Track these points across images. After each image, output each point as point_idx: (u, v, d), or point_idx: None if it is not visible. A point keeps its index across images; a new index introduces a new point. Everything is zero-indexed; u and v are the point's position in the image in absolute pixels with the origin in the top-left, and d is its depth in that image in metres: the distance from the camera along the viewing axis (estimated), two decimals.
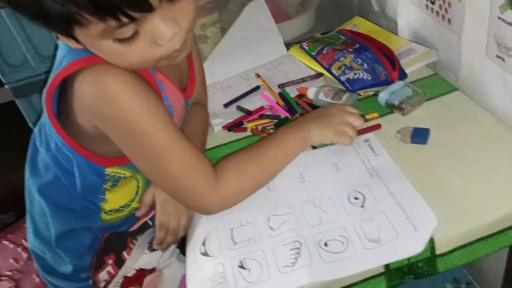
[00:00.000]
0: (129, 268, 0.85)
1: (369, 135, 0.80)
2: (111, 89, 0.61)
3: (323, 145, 0.80)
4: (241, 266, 0.63)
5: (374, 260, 0.61)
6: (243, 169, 0.71)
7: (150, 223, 0.89)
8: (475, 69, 0.80)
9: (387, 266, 0.61)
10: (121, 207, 0.80)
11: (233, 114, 0.95)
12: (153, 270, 0.89)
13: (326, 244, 0.64)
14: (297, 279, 0.60)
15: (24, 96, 1.30)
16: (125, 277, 0.85)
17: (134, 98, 0.62)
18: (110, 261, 0.84)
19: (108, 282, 0.84)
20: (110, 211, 0.80)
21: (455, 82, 0.88)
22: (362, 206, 0.68)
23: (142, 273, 0.87)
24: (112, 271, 0.84)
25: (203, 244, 0.69)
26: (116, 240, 0.84)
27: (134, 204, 0.82)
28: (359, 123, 0.78)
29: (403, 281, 0.64)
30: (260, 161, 0.73)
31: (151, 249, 0.87)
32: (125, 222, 0.84)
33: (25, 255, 0.95)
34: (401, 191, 0.68)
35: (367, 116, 0.84)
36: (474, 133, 0.76)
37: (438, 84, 0.89)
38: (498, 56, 0.72)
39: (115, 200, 0.79)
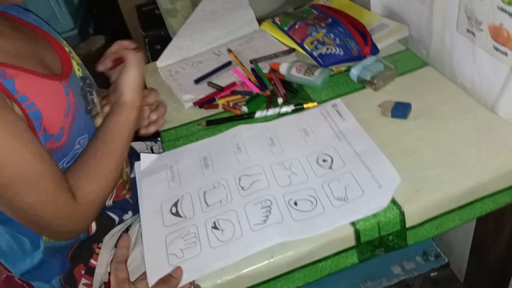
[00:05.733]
0: (102, 274, 0.80)
1: (337, 101, 0.81)
2: None
3: (291, 113, 0.82)
4: (214, 227, 0.64)
5: (342, 217, 0.62)
6: (92, 171, 0.67)
7: (116, 218, 0.83)
8: (446, 43, 0.80)
9: (358, 240, 0.62)
10: None
11: (204, 90, 0.93)
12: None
13: (296, 203, 0.65)
14: (269, 236, 0.61)
15: None
16: (105, 283, 0.80)
17: None
18: (83, 272, 0.80)
19: None
20: None
21: (426, 57, 0.88)
22: (330, 168, 0.69)
23: None
24: (88, 281, 0.80)
25: (175, 205, 0.69)
26: (80, 250, 0.80)
27: None
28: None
29: (374, 254, 0.65)
30: (105, 154, 0.69)
31: None
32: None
33: None
34: (366, 151, 0.70)
35: (305, 105, 0.83)
36: (444, 107, 0.76)
37: (410, 59, 0.89)
38: (468, 31, 0.72)
39: None
